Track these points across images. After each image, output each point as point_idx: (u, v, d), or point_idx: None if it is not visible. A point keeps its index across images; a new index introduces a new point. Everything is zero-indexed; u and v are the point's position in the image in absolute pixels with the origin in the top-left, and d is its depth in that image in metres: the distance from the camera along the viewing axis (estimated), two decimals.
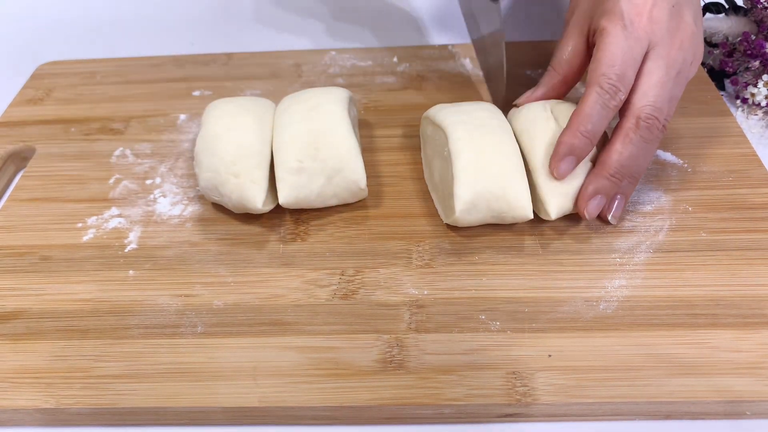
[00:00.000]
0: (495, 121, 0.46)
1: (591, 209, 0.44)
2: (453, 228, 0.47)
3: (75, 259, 0.47)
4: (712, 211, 0.47)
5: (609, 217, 0.45)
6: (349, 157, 0.46)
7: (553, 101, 0.48)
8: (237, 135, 0.47)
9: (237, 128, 0.47)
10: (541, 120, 0.46)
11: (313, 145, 0.46)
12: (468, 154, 0.44)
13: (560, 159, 0.43)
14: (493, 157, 0.44)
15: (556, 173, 0.43)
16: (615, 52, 0.42)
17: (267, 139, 0.47)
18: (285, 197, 0.46)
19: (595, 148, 0.44)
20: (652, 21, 0.43)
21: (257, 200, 0.46)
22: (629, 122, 0.43)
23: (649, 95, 0.43)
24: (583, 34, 0.46)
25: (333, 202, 0.48)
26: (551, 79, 0.48)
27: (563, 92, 0.48)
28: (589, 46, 0.46)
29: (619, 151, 0.43)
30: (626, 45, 0.42)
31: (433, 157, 0.49)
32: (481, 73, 0.61)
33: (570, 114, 0.45)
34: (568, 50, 0.47)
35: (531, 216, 0.44)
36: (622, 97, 0.43)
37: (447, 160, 0.45)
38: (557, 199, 0.44)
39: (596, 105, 0.43)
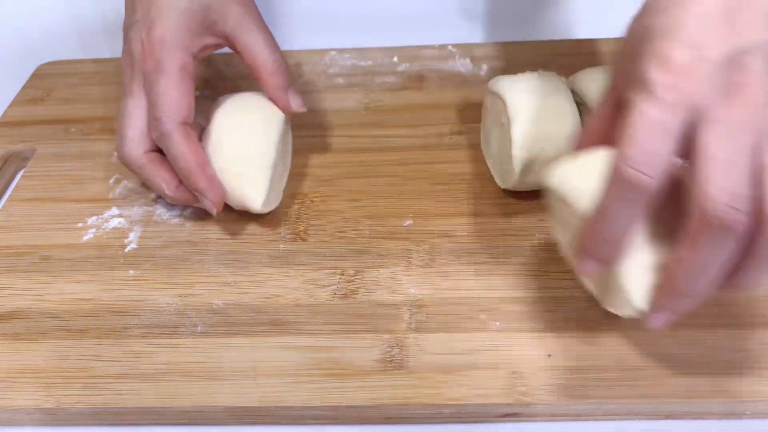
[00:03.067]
0: (552, 87, 0.48)
1: (655, 324, 0.34)
2: (453, 228, 0.47)
3: (75, 259, 0.47)
4: None
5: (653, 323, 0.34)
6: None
7: None
8: (241, 135, 0.47)
9: (242, 128, 0.47)
10: (606, 80, 0.48)
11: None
12: (525, 117, 0.46)
13: (581, 259, 0.34)
14: (549, 119, 0.46)
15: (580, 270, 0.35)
16: (639, 129, 0.30)
17: (272, 139, 0.48)
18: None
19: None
20: (692, 79, 0.30)
21: (257, 202, 0.46)
22: (692, 220, 0.30)
23: (713, 178, 0.29)
24: (613, 99, 0.35)
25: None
26: (581, 144, 0.38)
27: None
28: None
29: (684, 259, 0.31)
30: (654, 117, 0.30)
31: (492, 125, 0.51)
32: (481, 73, 0.61)
33: None
34: (598, 118, 0.37)
35: None
36: (653, 185, 0.30)
37: (504, 126, 0.47)
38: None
39: (614, 199, 0.32)
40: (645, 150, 0.30)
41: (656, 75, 0.30)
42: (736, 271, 0.32)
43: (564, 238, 0.39)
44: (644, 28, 0.33)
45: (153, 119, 0.44)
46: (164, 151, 0.45)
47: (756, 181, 0.30)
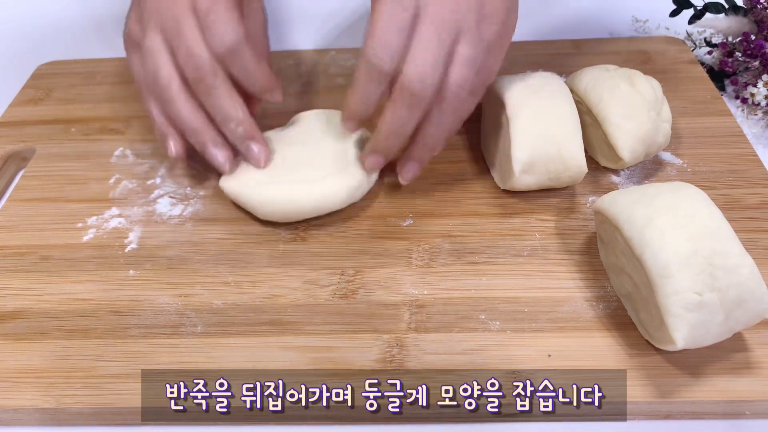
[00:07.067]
0: (552, 87, 0.48)
1: (369, 165, 0.47)
2: (453, 228, 0.47)
3: (75, 259, 0.47)
4: None
5: (400, 179, 0.48)
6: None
7: (612, 66, 0.51)
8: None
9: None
10: (605, 78, 0.49)
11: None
12: (524, 117, 0.46)
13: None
14: (548, 119, 0.46)
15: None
16: (378, 21, 0.41)
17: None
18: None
19: None
20: None
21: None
22: (396, 89, 0.42)
23: (415, 61, 0.41)
24: None
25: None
26: None
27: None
28: None
29: (387, 117, 0.43)
30: (390, 12, 0.41)
31: (492, 125, 0.51)
32: None
33: (638, 78, 0.49)
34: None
35: (585, 171, 0.46)
36: (388, 67, 0.41)
37: (504, 126, 0.47)
38: (628, 143, 0.47)
39: (363, 79, 0.42)
40: (383, 42, 0.41)
41: None
42: (422, 130, 0.44)
43: (604, 253, 0.44)
44: None
45: None
46: None
47: (445, 65, 0.41)
